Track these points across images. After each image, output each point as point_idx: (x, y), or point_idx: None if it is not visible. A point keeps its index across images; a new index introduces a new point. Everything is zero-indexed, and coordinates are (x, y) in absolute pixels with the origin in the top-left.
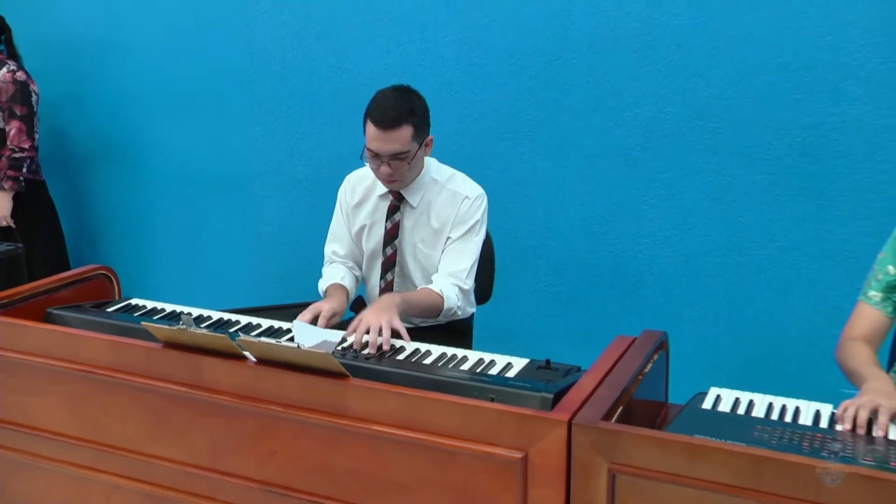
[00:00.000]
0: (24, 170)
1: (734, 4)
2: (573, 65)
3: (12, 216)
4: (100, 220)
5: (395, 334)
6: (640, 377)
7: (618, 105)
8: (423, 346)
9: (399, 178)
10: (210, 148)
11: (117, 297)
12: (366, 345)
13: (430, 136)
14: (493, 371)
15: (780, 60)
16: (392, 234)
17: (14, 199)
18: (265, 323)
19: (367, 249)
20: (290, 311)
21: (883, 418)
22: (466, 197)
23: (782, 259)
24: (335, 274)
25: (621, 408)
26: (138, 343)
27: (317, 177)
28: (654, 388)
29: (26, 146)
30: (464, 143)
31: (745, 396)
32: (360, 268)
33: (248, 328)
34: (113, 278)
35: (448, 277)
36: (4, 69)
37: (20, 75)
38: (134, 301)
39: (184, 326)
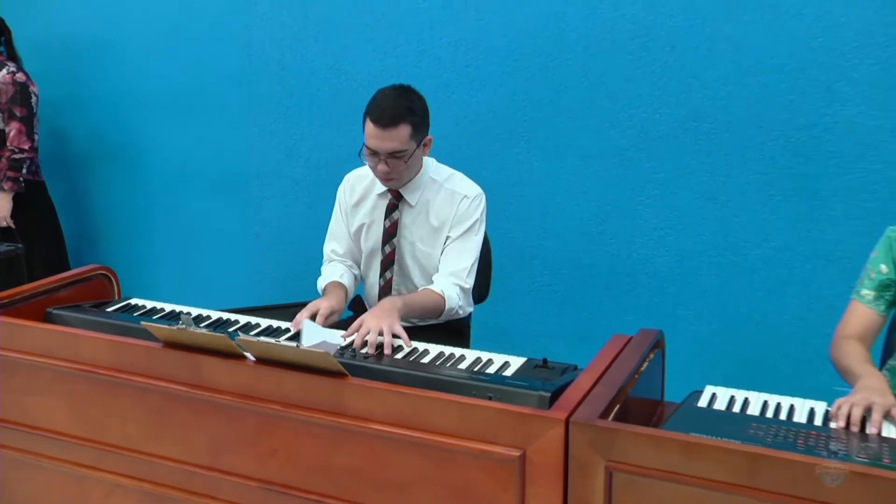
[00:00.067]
0: (24, 171)
1: (728, 7)
2: (569, 66)
3: (12, 217)
4: (99, 221)
5: (395, 338)
6: (637, 376)
7: (613, 106)
8: (422, 346)
9: (396, 177)
10: (209, 149)
11: (117, 297)
12: (365, 344)
13: (429, 136)
14: (491, 370)
15: (774, 62)
16: (391, 233)
17: (14, 199)
18: (264, 322)
19: (365, 248)
20: (288, 311)
21: (876, 416)
22: (465, 196)
23: (776, 258)
24: (334, 272)
25: (618, 406)
26: (138, 343)
27: (315, 177)
28: (651, 387)
29: (26, 147)
30: (460, 143)
31: (740, 395)
32: (359, 266)
33: (248, 328)
34: (112, 278)
35: (449, 277)
36: (4, 70)
37: (20, 77)
38: (133, 301)
39: (183, 326)
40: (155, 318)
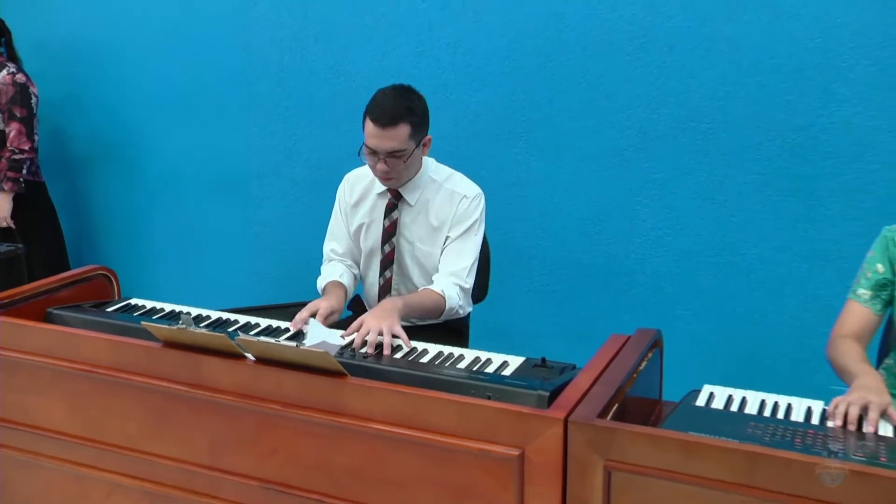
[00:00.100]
0: (24, 171)
1: (726, 7)
2: (567, 66)
3: (12, 217)
4: (99, 221)
5: (395, 339)
6: (635, 375)
7: (611, 106)
8: (421, 345)
9: (395, 176)
10: (208, 149)
11: (117, 297)
12: (365, 344)
13: (429, 136)
14: (490, 369)
15: (772, 62)
16: (390, 232)
17: (14, 200)
18: (264, 322)
19: (364, 247)
20: (288, 311)
21: (873, 414)
22: (465, 196)
23: (773, 258)
24: (333, 272)
25: (616, 405)
26: (138, 342)
27: (314, 178)
28: (649, 386)
29: (26, 148)
30: (459, 144)
31: (737, 394)
32: (359, 266)
33: (247, 327)
34: (112, 278)
35: (449, 277)
36: (4, 71)
37: (20, 77)
38: (133, 301)
39: (183, 326)
40: (155, 318)
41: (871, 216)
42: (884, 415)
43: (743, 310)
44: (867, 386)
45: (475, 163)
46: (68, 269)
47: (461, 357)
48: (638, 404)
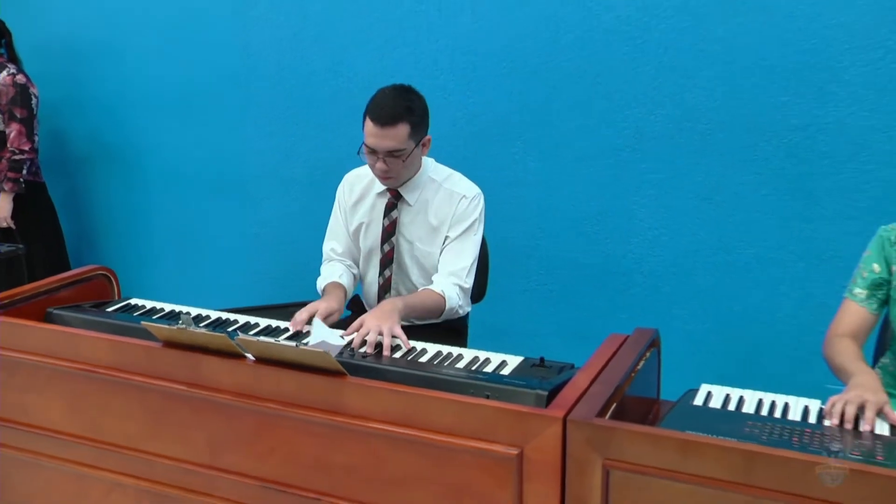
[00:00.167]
0: (24, 172)
1: (722, 8)
2: (564, 67)
3: (12, 217)
4: (99, 221)
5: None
6: (633, 374)
7: (608, 107)
8: (420, 345)
9: (394, 175)
10: (207, 150)
11: (117, 297)
12: (364, 344)
13: (429, 136)
14: (489, 369)
15: (767, 63)
16: (389, 231)
17: (14, 200)
18: (263, 322)
19: (364, 247)
20: (287, 311)
21: (869, 413)
22: (464, 196)
23: (770, 258)
24: (333, 272)
25: (615, 404)
26: (138, 342)
27: (313, 178)
28: (647, 385)
29: (26, 148)
30: (457, 144)
31: (735, 393)
32: (358, 266)
33: (247, 327)
34: (112, 278)
35: (448, 277)
36: (4, 72)
37: (20, 78)
38: (133, 301)
39: (183, 326)
40: (155, 317)
41: (867, 215)
42: (880, 413)
43: (740, 309)
44: (864, 385)
45: (473, 163)
46: (68, 269)
47: (460, 357)
48: (636, 403)
